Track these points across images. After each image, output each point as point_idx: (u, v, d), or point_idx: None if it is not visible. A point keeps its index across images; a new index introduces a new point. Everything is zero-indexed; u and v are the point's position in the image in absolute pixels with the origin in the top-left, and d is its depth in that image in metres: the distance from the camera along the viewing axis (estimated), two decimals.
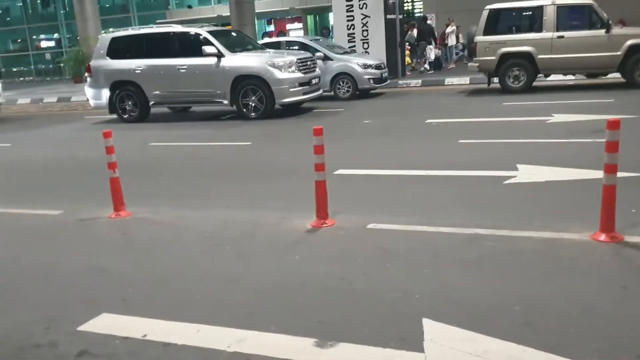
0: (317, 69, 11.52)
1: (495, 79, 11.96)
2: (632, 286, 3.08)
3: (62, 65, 29.20)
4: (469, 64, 12.43)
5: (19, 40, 36.02)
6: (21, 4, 35.44)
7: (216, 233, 4.45)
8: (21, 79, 33.52)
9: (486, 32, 11.67)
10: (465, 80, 14.40)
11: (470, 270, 3.42)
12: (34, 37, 35.27)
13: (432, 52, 17.69)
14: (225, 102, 10.78)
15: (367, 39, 15.15)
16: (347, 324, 2.84)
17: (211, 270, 3.74)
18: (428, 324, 2.74)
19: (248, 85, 10.54)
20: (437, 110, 10.51)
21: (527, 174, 5.49)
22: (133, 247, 4.40)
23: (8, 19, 36.25)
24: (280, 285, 3.40)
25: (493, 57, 11.57)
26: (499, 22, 11.79)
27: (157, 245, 4.32)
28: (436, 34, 18.64)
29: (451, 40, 18.57)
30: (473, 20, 12.60)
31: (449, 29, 18.52)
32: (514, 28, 11.76)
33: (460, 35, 18.57)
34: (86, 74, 11.98)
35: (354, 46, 15.08)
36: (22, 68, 34.88)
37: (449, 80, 14.76)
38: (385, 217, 4.45)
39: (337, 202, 4.61)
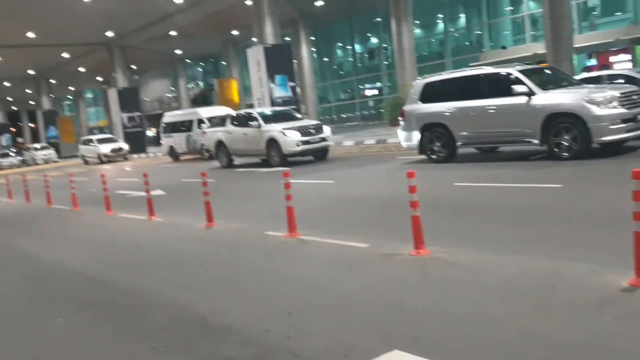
0: None
1: None
2: None
3: (382, 110, 32.00)
4: None
5: (348, 90, 40.89)
6: (352, 59, 40.27)
7: (514, 280, 4.22)
8: (348, 123, 37.85)
9: None
10: None
11: None
12: (360, 86, 39.60)
13: None
14: (535, 141, 10.26)
15: None
16: None
17: (505, 319, 3.54)
18: None
19: (561, 123, 9.85)
20: None
21: None
22: (429, 285, 4.46)
23: (341, 72, 41.55)
24: (584, 346, 3.02)
25: None
26: None
27: (453, 286, 4.30)
28: None
29: None
30: None
31: None
32: None
33: None
34: (400, 118, 12.85)
35: None
36: (349, 114, 39.41)
37: None
38: None
39: None
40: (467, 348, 3.19)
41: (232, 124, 17.53)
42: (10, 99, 60.83)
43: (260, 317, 4.15)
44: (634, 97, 9.85)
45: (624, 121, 9.50)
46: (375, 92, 39.00)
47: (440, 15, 34.10)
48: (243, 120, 17.05)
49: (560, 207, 6.69)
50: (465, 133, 11.37)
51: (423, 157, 12.25)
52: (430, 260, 5.00)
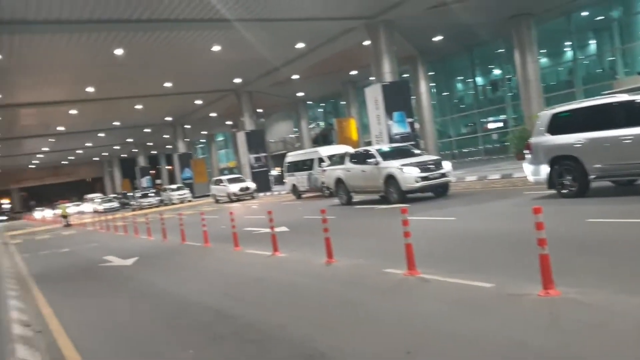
0: None
1: None
2: None
3: (507, 143, 30.84)
4: None
5: (470, 124, 39.95)
6: (473, 92, 39.46)
7: None
8: (470, 158, 36.88)
9: None
10: None
11: None
12: (482, 120, 38.56)
13: None
14: None
15: None
16: None
17: None
18: None
19: None
20: None
21: None
22: (560, 328, 4.17)
23: (462, 106, 40.79)
24: None
25: None
26: None
27: (586, 329, 3.98)
28: None
29: None
30: None
31: None
32: None
33: None
34: (526, 151, 12.29)
35: None
36: (471, 149, 38.40)
37: None
38: None
39: None
40: None
41: (351, 161, 17.78)
42: (150, 144, 66.59)
43: (378, 355, 4.11)
44: None
45: None
46: (499, 124, 37.73)
47: (568, 42, 32.49)
48: (361, 158, 17.25)
49: None
50: (598, 165, 10.61)
51: (552, 191, 11.58)
52: (560, 302, 4.68)
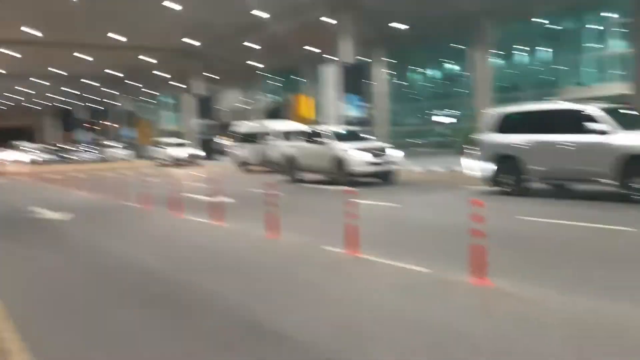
0: None
1: None
2: None
3: (456, 139, 31.55)
4: None
5: (422, 116, 40.57)
6: (429, 84, 40.03)
7: (579, 322, 4.08)
8: (419, 149, 37.21)
9: None
10: None
11: None
12: (434, 112, 39.22)
13: None
14: (612, 182, 9.88)
15: None
16: None
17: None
18: None
19: None
20: None
21: None
22: (490, 316, 4.39)
23: (417, 97, 41.38)
24: None
25: None
26: None
27: (514, 319, 4.22)
28: None
29: None
30: None
31: None
32: None
33: None
34: (466, 146, 12.69)
35: None
36: (421, 140, 38.80)
37: None
38: None
39: None
40: None
41: (302, 139, 17.80)
42: (97, 98, 64.30)
43: (315, 327, 4.21)
44: None
45: None
46: (449, 119, 38.56)
47: (521, 47, 33.45)
48: (313, 137, 17.30)
49: (633, 251, 6.42)
50: (537, 168, 11.09)
51: (494, 188, 12.00)
52: (491, 292, 4.93)
